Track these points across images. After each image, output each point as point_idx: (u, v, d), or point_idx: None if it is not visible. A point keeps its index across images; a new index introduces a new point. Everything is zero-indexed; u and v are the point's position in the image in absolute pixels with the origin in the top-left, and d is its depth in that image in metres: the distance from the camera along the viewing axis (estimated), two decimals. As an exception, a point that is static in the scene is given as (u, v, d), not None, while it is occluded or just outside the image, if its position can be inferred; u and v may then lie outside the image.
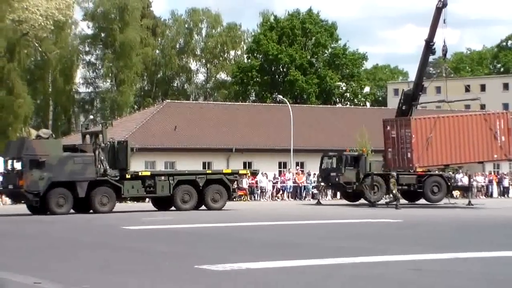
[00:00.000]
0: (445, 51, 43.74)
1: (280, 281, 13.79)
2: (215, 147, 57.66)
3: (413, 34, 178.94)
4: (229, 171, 40.53)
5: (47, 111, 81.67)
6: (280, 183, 53.26)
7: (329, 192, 52.90)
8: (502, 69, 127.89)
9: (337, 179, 45.50)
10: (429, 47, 43.59)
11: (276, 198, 52.57)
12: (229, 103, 75.60)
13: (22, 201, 36.79)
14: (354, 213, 36.47)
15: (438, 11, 42.72)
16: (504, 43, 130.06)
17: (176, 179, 37.44)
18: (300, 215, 34.99)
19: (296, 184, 53.14)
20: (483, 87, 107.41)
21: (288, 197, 52.79)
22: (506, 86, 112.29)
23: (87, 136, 37.95)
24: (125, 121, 61.65)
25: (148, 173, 37.95)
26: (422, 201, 46.26)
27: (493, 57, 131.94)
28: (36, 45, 69.32)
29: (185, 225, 27.89)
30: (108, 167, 35.95)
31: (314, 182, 52.07)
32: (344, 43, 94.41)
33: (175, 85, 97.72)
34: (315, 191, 51.57)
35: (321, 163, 47.51)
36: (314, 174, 51.85)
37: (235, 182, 39.80)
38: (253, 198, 51.45)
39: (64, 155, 35.47)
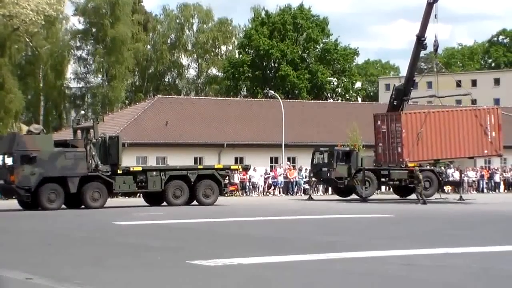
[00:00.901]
0: (436, 46, 43.84)
1: (272, 276, 13.80)
2: (206, 142, 57.64)
3: (405, 29, 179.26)
4: (220, 166, 40.56)
5: (38, 106, 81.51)
6: (272, 178, 53.28)
7: (321, 187, 52.98)
8: (493, 65, 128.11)
9: (328, 174, 45.57)
10: (420, 42, 43.66)
11: (267, 193, 52.60)
12: (221, 98, 75.55)
13: (14, 197, 36.75)
14: (346, 208, 36.51)
15: (430, 6, 42.79)
16: (495, 38, 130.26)
17: (168, 175, 37.36)
18: (293, 210, 35.01)
19: (287, 180, 53.18)
20: (474, 82, 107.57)
21: (279, 193, 52.82)
22: (497, 82, 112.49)
23: (79, 132, 37.85)
24: (116, 116, 61.52)
25: (140, 169, 37.91)
26: (413, 196, 46.33)
27: (484, 52, 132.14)
28: (27, 40, 69.12)
29: (176, 221, 27.88)
30: (99, 163, 35.90)
31: (305, 177, 52.11)
32: (335, 38, 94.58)
33: (167, 80, 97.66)
34: (306, 186, 51.62)
35: (313, 158, 47.57)
36: (306, 169, 51.90)
37: (227, 178, 39.84)
38: (244, 194, 51.47)
39: (55, 151, 35.36)
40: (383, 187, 51.30)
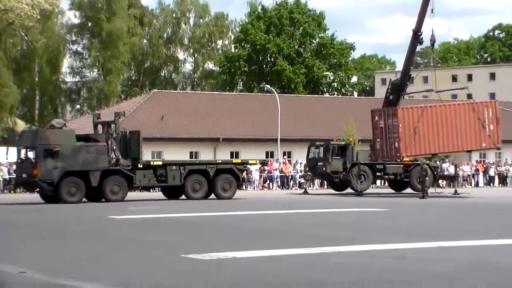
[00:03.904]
0: (433, 41, 43.73)
1: (266, 269, 13.81)
2: (202, 136, 57.62)
3: (402, 24, 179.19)
4: (238, 161, 41.01)
5: (33, 100, 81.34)
6: (267, 172, 53.24)
7: (316, 181, 52.99)
8: (489, 59, 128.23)
9: (324, 169, 45.62)
10: (416, 37, 43.58)
11: (263, 187, 52.58)
12: (217, 92, 75.50)
13: (36, 190, 37.39)
14: (341, 202, 36.53)
15: (426, 0, 42.71)
16: (491, 33, 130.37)
17: (187, 169, 37.88)
18: (288, 204, 35.04)
19: (283, 174, 53.18)
20: (469, 77, 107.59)
21: (275, 187, 52.79)
22: (492, 76, 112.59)
23: (99, 126, 38.20)
24: (112, 110, 61.34)
25: (160, 163, 38.34)
26: (408, 190, 46.39)
27: (480, 47, 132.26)
28: (22, 34, 68.95)
29: (171, 215, 27.87)
30: (120, 157, 36.27)
31: (301, 172, 52.13)
32: (332, 33, 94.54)
33: (163, 74, 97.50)
34: (302, 180, 51.64)
35: (308, 152, 47.59)
36: (301, 163, 51.92)
37: (244, 172, 40.22)
38: (239, 188, 51.37)
39: (77, 145, 35.77)
40: (378, 181, 51.35)
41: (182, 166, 38.00)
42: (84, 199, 35.88)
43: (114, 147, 36.26)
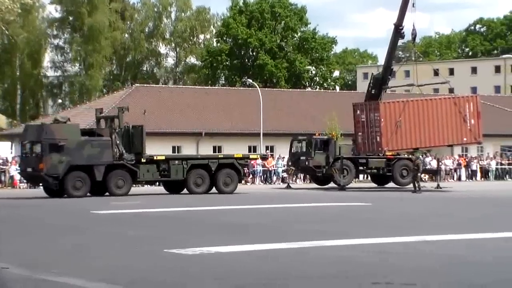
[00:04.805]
0: (414, 35, 43.82)
1: (249, 264, 13.81)
2: (184, 131, 57.52)
3: (384, 18, 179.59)
4: (240, 155, 41.06)
5: (14, 95, 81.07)
6: (250, 167, 53.19)
7: (299, 176, 53.02)
8: (470, 53, 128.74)
9: (306, 163, 45.68)
10: (398, 31, 43.67)
11: (246, 182, 52.54)
12: (199, 87, 75.39)
13: (41, 184, 37.83)
14: (324, 197, 36.59)
15: (407, -5, 42.75)
16: (472, 27, 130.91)
17: (190, 164, 38.18)
18: (270, 198, 35.03)
19: (265, 168, 53.18)
20: (451, 71, 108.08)
21: (258, 181, 52.78)
22: (474, 70, 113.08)
23: (102, 120, 38.26)
24: (94, 105, 61.09)
25: (163, 158, 38.41)
26: (391, 184, 46.53)
27: (462, 41, 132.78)
28: (3, 28, 68.67)
29: (154, 210, 27.82)
30: (124, 151, 36.44)
31: (283, 166, 52.16)
32: (314, 27, 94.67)
33: (144, 69, 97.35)
34: (285, 175, 51.66)
35: (291, 147, 47.62)
36: (283, 158, 51.95)
37: (246, 167, 40.86)
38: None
39: (82, 139, 35.93)
40: (361, 176, 51.45)
41: (185, 161, 38.39)
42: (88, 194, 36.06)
43: (118, 142, 36.50)
